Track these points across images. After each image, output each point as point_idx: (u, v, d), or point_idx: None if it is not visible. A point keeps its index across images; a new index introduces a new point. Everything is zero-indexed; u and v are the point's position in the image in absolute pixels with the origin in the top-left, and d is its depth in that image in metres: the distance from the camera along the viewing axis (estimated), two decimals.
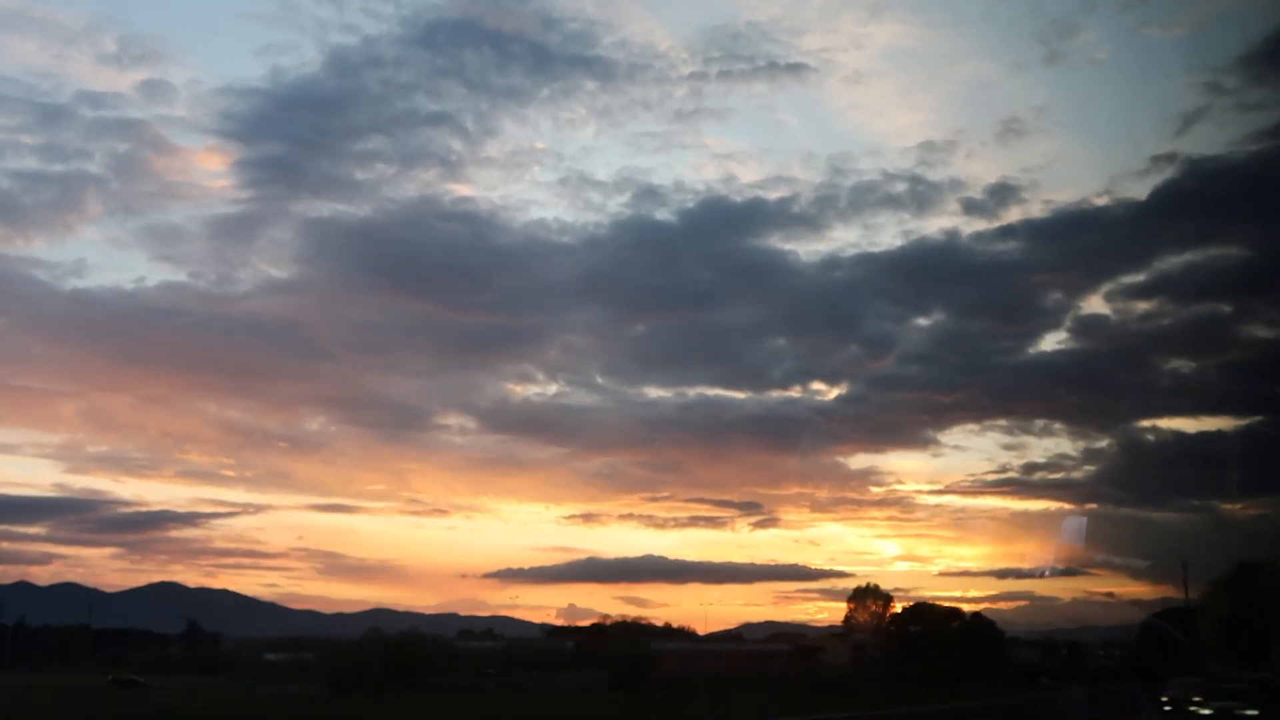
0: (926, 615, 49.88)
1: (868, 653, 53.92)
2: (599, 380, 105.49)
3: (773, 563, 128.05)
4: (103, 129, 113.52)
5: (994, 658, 46.67)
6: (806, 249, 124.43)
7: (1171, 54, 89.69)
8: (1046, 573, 36.10)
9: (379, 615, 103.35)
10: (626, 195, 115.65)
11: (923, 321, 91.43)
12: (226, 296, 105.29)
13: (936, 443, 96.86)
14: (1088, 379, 76.51)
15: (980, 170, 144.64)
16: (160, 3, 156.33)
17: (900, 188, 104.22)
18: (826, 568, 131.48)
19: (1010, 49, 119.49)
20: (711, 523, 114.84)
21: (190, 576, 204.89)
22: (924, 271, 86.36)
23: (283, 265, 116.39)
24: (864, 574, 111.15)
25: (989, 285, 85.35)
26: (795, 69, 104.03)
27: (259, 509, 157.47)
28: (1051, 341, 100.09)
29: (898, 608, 53.66)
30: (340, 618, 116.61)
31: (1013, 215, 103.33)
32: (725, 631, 79.89)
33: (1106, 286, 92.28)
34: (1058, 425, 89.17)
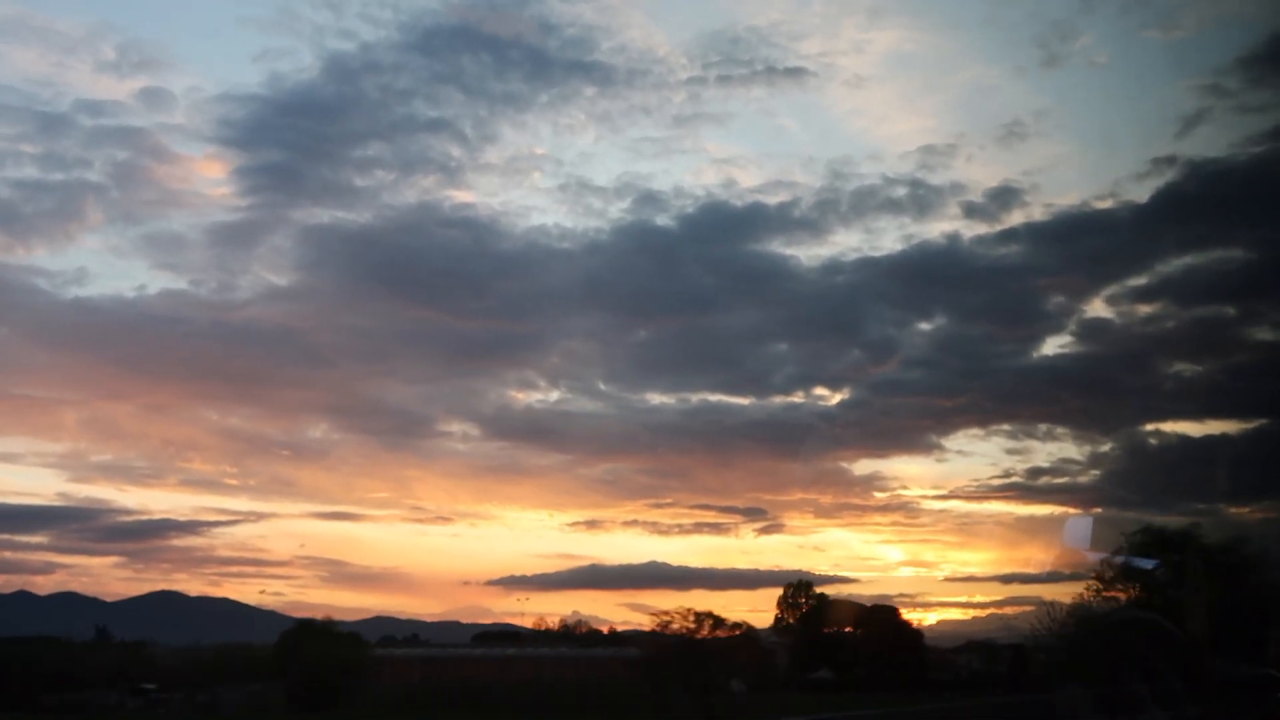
0: (840, 613, 45.07)
1: (775, 658, 49.67)
2: (601, 386, 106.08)
3: (777, 569, 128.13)
4: (103, 137, 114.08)
5: (911, 662, 42.80)
6: (808, 253, 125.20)
7: (1171, 56, 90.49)
8: (1051, 577, 36.16)
9: (381, 623, 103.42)
10: (627, 201, 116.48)
11: (925, 326, 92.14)
12: (227, 304, 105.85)
13: (940, 448, 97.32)
14: (1091, 383, 77.12)
15: (981, 174, 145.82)
16: (158, 9, 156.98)
17: (901, 192, 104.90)
18: (831, 574, 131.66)
19: (1010, 53, 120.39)
20: (716, 529, 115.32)
21: (193, 585, 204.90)
22: (926, 276, 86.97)
23: (283, 273, 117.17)
24: (868, 580, 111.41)
25: (991, 289, 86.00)
26: (795, 73, 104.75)
27: (261, 517, 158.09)
28: (1054, 345, 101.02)
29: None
30: (341, 626, 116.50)
31: (1014, 219, 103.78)
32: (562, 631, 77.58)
33: (1109, 290, 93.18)
34: (1061, 429, 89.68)
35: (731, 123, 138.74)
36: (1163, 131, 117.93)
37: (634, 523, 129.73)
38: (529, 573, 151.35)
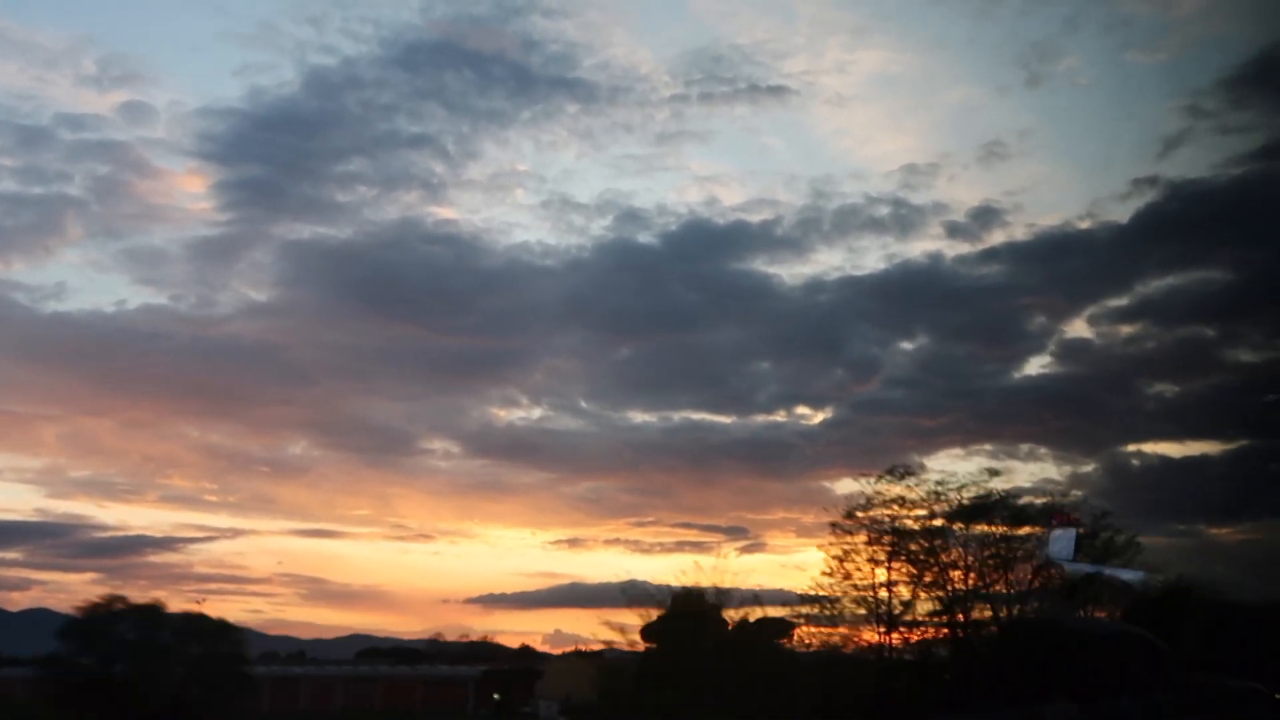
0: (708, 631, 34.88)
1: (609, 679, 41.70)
2: (583, 404, 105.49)
3: (759, 588, 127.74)
4: (83, 151, 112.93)
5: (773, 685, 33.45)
6: (790, 272, 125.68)
7: (1153, 78, 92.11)
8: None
9: (360, 641, 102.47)
10: (609, 218, 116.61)
11: (907, 345, 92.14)
12: (208, 319, 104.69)
13: (923, 467, 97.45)
14: (1072, 403, 77.72)
15: (963, 193, 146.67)
16: (139, 23, 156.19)
17: (884, 211, 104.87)
18: (813, 593, 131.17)
19: (993, 73, 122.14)
20: (698, 547, 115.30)
21: (171, 603, 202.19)
22: (908, 295, 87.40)
23: (264, 288, 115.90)
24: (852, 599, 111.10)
25: (973, 308, 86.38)
26: (778, 92, 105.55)
27: (240, 534, 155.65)
28: (1036, 365, 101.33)
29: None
30: (319, 644, 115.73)
31: (996, 238, 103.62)
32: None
33: (1090, 310, 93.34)
34: (1043, 450, 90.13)
35: (714, 140, 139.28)
36: (1144, 152, 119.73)
37: (616, 541, 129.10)
38: (509, 590, 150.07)
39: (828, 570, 37.90)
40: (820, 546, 38.56)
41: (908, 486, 36.60)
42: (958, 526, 36.03)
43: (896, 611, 36.35)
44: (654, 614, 36.90)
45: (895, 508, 36.48)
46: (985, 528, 35.99)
